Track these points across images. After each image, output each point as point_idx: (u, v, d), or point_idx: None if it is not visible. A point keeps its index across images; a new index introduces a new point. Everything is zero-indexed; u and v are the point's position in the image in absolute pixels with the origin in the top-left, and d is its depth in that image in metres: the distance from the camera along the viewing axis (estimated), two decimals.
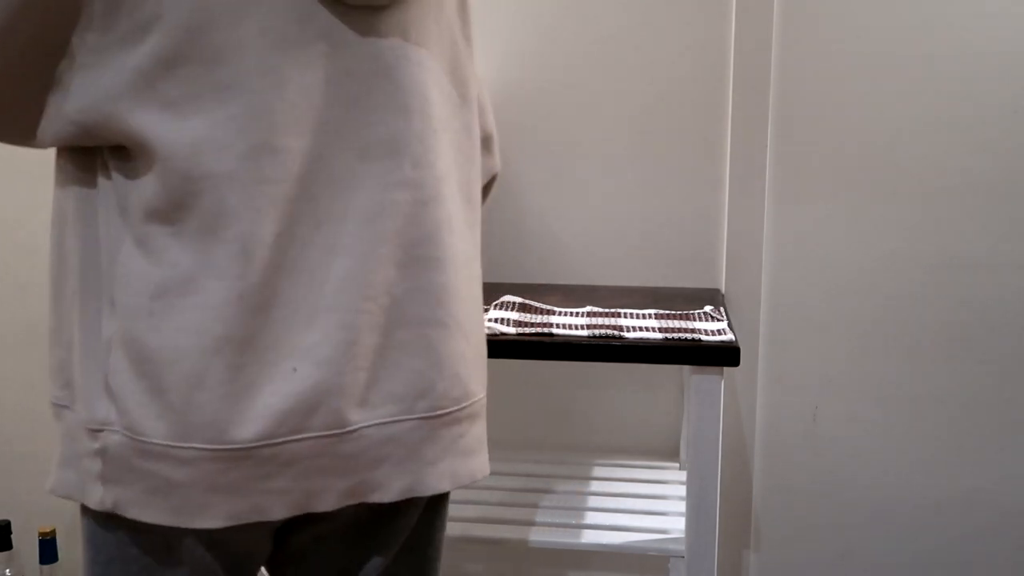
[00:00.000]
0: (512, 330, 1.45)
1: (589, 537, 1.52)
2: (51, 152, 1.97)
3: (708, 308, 1.58)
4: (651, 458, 1.86)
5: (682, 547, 1.47)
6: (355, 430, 0.92)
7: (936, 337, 1.80)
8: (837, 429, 1.85)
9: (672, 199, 1.82)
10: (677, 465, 1.83)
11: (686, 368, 1.78)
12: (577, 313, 1.56)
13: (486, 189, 1.24)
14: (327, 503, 0.93)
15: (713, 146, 1.80)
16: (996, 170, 1.74)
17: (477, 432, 1.01)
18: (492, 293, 1.68)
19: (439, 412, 0.96)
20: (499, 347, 1.45)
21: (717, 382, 1.41)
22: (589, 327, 1.46)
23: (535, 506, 1.62)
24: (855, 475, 1.86)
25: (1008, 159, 1.74)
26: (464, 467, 0.99)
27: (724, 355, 1.39)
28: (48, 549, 1.95)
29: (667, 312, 1.57)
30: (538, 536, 1.53)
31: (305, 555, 1.02)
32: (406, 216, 0.93)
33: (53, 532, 1.96)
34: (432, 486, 0.96)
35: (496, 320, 1.48)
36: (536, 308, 1.57)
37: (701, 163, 1.80)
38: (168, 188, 0.85)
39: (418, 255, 0.94)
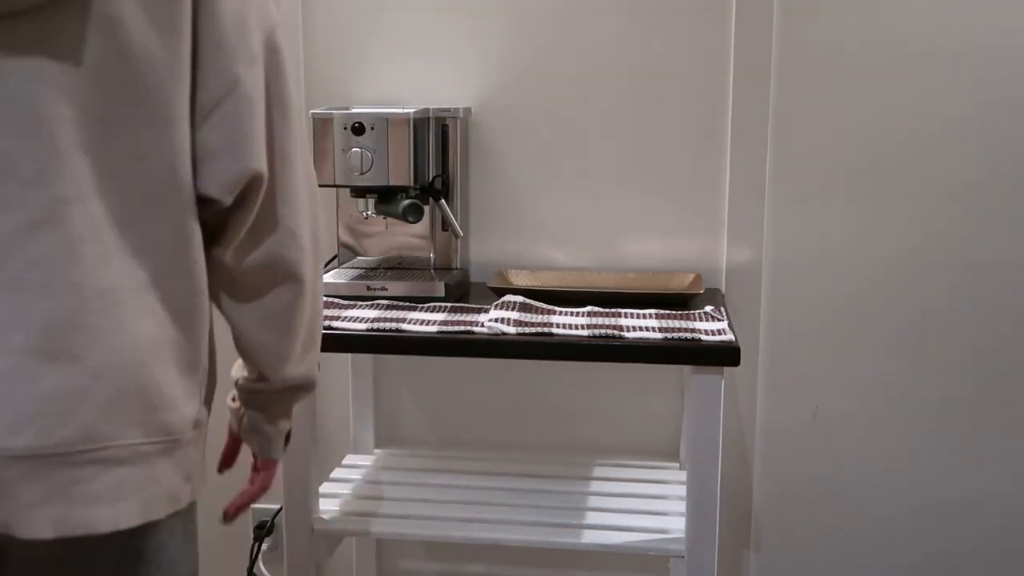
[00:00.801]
0: (512, 330, 1.45)
1: (589, 537, 1.52)
2: None
3: (708, 308, 1.58)
4: (651, 458, 1.86)
5: (682, 547, 1.47)
6: None
7: (936, 337, 1.80)
8: (837, 429, 1.85)
9: (672, 199, 1.82)
10: (677, 465, 1.83)
11: (686, 368, 1.78)
12: (577, 313, 1.56)
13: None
14: None
15: (713, 146, 1.80)
16: (997, 170, 1.74)
17: (115, 479, 0.90)
18: (496, 293, 1.68)
19: (38, 452, 0.87)
20: (499, 347, 1.45)
21: (717, 382, 1.41)
22: (589, 327, 1.46)
23: (535, 506, 1.62)
24: (855, 475, 1.86)
25: (1009, 159, 1.74)
26: (76, 513, 0.88)
27: (724, 355, 1.39)
28: None
29: (667, 312, 1.57)
30: (538, 536, 1.53)
31: None
32: (10, 237, 0.86)
33: None
34: (27, 528, 0.87)
35: (496, 320, 1.48)
36: (536, 308, 1.57)
37: (701, 163, 1.80)
38: None
39: (24, 279, 0.86)
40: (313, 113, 1.64)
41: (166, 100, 0.91)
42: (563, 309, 1.58)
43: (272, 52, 0.98)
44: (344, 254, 1.80)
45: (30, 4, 0.85)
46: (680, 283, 1.74)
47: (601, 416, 1.90)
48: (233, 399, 1.16)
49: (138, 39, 0.88)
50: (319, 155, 1.63)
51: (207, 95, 0.93)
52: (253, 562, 1.95)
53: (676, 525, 1.55)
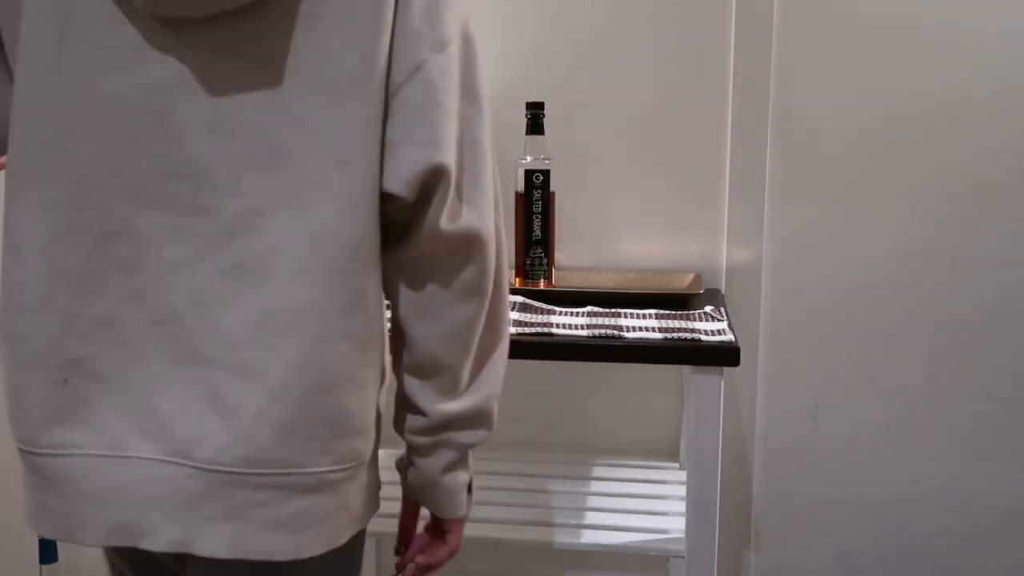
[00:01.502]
0: (512, 330, 1.45)
1: (589, 537, 1.52)
2: None
3: (708, 308, 1.58)
4: (651, 458, 1.86)
5: (682, 547, 1.47)
6: (124, 456, 0.85)
7: (936, 337, 1.80)
8: (837, 429, 1.85)
9: (672, 199, 1.82)
10: (677, 465, 1.83)
11: (686, 368, 1.78)
12: (577, 313, 1.56)
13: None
14: (93, 536, 0.87)
15: (713, 146, 1.80)
16: (997, 170, 1.74)
17: (298, 507, 0.87)
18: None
19: (215, 467, 0.85)
20: None
21: (717, 382, 1.41)
22: (589, 327, 1.46)
23: (535, 506, 1.62)
24: (855, 475, 1.86)
25: (1009, 159, 1.74)
26: (255, 539, 0.86)
27: (724, 355, 1.39)
28: (48, 549, 1.96)
29: (667, 312, 1.57)
30: (538, 536, 1.53)
31: None
32: (202, 247, 0.84)
33: None
34: (205, 546, 0.85)
35: None
36: (536, 308, 1.57)
37: (701, 163, 1.80)
38: None
39: (212, 291, 0.83)
40: None
41: (369, 98, 0.85)
42: (563, 309, 1.58)
43: (465, 42, 0.92)
44: None
45: (237, 5, 0.81)
46: (680, 283, 1.74)
47: (601, 416, 1.90)
48: (399, 460, 1.05)
49: (339, 38, 0.84)
50: None
51: (393, 83, 0.86)
52: None
53: (676, 525, 1.55)
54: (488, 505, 1.62)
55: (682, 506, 1.60)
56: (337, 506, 0.89)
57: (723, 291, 1.81)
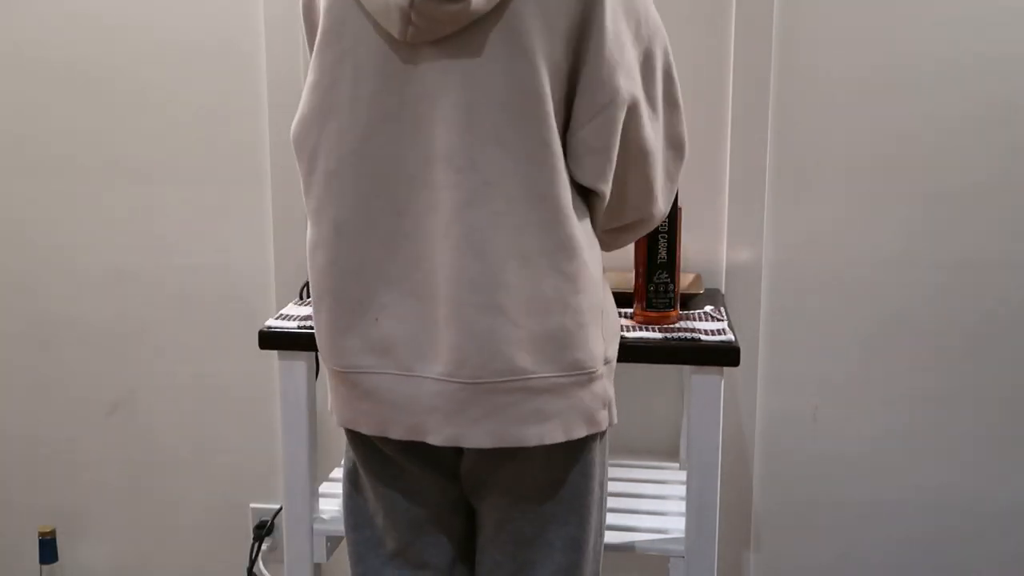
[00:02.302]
0: None
1: None
2: (42, 153, 1.98)
3: (708, 308, 1.58)
4: (651, 458, 1.86)
5: (682, 547, 1.47)
6: (414, 376, 1.14)
7: (936, 337, 1.80)
8: (837, 429, 1.85)
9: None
10: (677, 465, 1.83)
11: (686, 368, 1.78)
12: None
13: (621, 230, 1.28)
14: (396, 432, 1.17)
15: (713, 146, 1.80)
16: (997, 170, 1.74)
17: (537, 405, 1.12)
18: None
19: (476, 380, 1.11)
20: None
21: (717, 382, 1.41)
22: None
23: None
24: (855, 475, 1.86)
25: (1009, 159, 1.74)
26: (510, 431, 1.12)
27: (724, 355, 1.39)
28: (48, 549, 1.96)
29: None
30: None
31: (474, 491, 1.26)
32: (451, 212, 1.10)
33: (53, 532, 1.96)
34: (472, 440, 1.13)
35: None
36: None
37: (701, 163, 1.80)
38: None
39: (462, 246, 1.10)
40: None
41: (556, 99, 1.10)
42: None
43: (647, 60, 1.16)
44: None
45: (458, 26, 1.06)
46: (680, 283, 1.74)
47: None
48: None
49: (534, 48, 1.07)
50: None
51: (593, 101, 1.11)
52: (253, 562, 1.95)
53: (676, 525, 1.55)
54: None
55: (682, 506, 1.60)
56: (568, 406, 1.14)
57: (723, 291, 1.81)
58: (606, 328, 1.19)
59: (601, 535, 1.27)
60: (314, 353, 1.53)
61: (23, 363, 2.06)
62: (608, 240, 1.28)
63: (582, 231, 1.14)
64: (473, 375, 1.11)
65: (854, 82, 1.75)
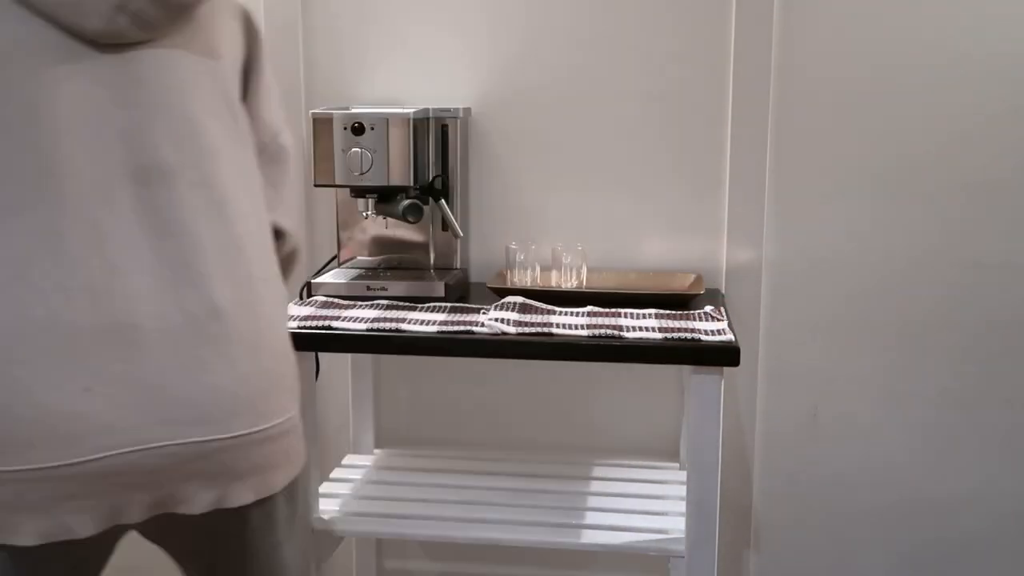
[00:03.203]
0: (512, 330, 1.45)
1: (589, 537, 1.52)
2: None
3: (708, 308, 1.58)
4: (651, 458, 1.86)
5: (682, 547, 1.47)
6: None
7: (936, 337, 1.80)
8: (837, 429, 1.85)
9: (672, 199, 1.82)
10: (677, 465, 1.83)
11: (686, 368, 1.78)
12: (577, 313, 1.56)
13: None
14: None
15: (713, 146, 1.80)
16: (997, 170, 1.74)
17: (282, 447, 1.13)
18: (496, 293, 1.68)
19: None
20: (499, 347, 1.45)
21: (717, 382, 1.41)
22: (589, 327, 1.46)
23: (535, 506, 1.62)
24: (855, 475, 1.86)
25: (1009, 159, 1.74)
26: (266, 480, 1.11)
27: (724, 355, 1.39)
28: None
29: (667, 312, 1.57)
30: (538, 536, 1.53)
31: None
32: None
33: None
34: (236, 500, 1.09)
35: (496, 320, 1.48)
36: (536, 308, 1.57)
37: (701, 163, 1.80)
38: None
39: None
40: (313, 113, 1.64)
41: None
42: (563, 309, 1.58)
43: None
44: (344, 254, 1.80)
45: (178, 26, 1.09)
46: (680, 283, 1.74)
47: (601, 416, 1.90)
48: None
49: (223, 74, 1.14)
50: (319, 155, 1.63)
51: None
52: None
53: (676, 525, 1.55)
54: (488, 505, 1.62)
55: (682, 506, 1.60)
56: (299, 443, 1.19)
57: (723, 291, 1.81)
58: None
59: None
60: (314, 353, 1.53)
61: None
62: None
63: None
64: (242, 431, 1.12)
65: (854, 82, 1.75)
